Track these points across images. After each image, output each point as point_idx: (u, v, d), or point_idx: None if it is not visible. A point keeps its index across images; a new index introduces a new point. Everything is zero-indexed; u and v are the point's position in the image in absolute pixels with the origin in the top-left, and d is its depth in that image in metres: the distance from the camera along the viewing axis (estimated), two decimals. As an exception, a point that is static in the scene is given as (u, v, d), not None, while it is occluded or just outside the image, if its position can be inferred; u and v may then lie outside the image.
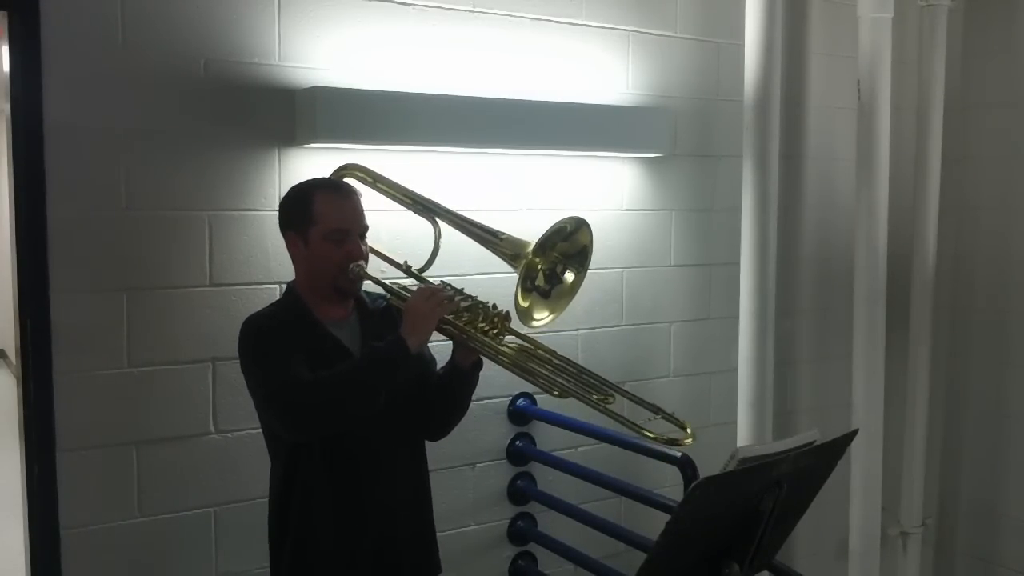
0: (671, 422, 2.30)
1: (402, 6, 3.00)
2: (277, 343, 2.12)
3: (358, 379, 2.09)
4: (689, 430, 2.26)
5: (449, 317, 2.19)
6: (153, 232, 2.68)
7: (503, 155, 3.18)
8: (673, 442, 2.24)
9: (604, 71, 3.41)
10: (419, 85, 3.00)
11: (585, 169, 3.39)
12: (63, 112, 2.54)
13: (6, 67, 2.64)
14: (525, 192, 3.26)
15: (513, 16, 3.20)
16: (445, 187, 2.95)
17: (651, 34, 3.51)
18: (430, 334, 2.17)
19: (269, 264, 2.83)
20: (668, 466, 2.73)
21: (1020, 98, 3.96)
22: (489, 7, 3.14)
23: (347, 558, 2.20)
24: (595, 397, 2.25)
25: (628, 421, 2.25)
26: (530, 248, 2.20)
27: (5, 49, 2.65)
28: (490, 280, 2.99)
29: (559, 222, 2.25)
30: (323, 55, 2.87)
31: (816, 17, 3.90)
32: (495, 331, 2.23)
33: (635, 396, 2.36)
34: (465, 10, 3.10)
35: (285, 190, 2.80)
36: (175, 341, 2.72)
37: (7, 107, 2.60)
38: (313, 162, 2.86)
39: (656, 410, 2.30)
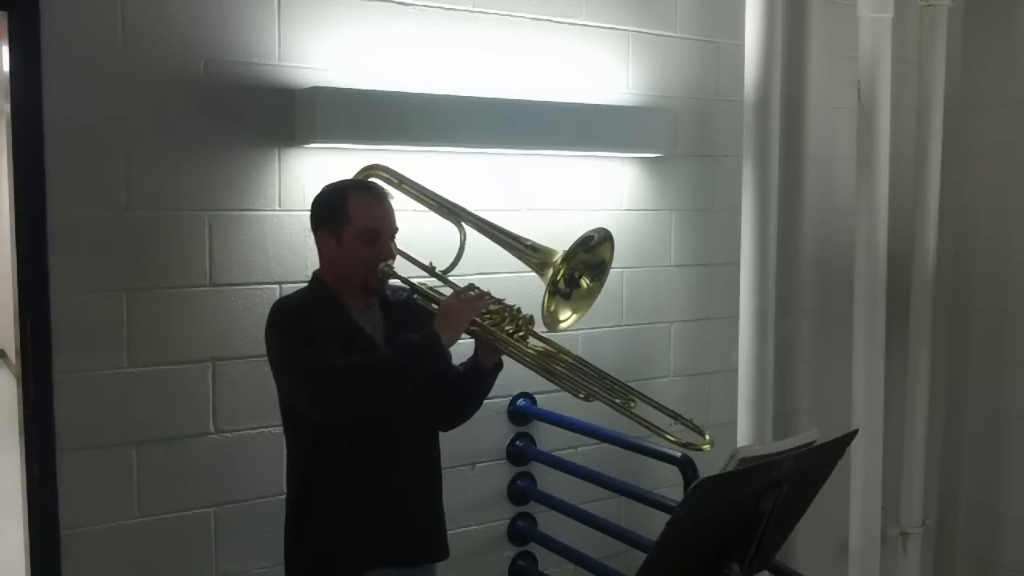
0: (690, 428, 2.35)
1: (402, 6, 3.00)
2: (310, 325, 2.19)
3: (392, 367, 2.16)
4: (707, 436, 2.32)
5: (478, 319, 2.27)
6: (153, 232, 2.68)
7: (503, 155, 3.18)
8: (692, 446, 2.31)
9: (604, 71, 3.41)
10: (419, 85, 3.00)
11: (585, 169, 3.38)
12: (63, 112, 2.54)
13: (6, 67, 2.64)
14: (525, 192, 3.26)
15: (513, 16, 3.20)
16: (445, 187, 2.93)
17: (651, 34, 3.51)
18: (462, 332, 2.23)
19: (269, 264, 2.83)
20: (668, 466, 2.73)
21: (1020, 98, 3.96)
22: (489, 7, 3.14)
23: (367, 539, 2.25)
24: (618, 401, 2.31)
25: (652, 425, 2.30)
26: (558, 257, 2.27)
27: (5, 49, 2.64)
28: (492, 280, 2.99)
29: (587, 233, 2.31)
30: (323, 55, 2.87)
31: (816, 17, 3.90)
32: (520, 333, 2.32)
33: (655, 402, 2.39)
34: (465, 10, 3.10)
35: (285, 190, 2.84)
36: (175, 341, 2.72)
37: (7, 107, 2.60)
38: (313, 162, 2.86)
39: (675, 416, 2.36)
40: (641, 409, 2.37)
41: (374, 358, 2.20)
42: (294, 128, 2.82)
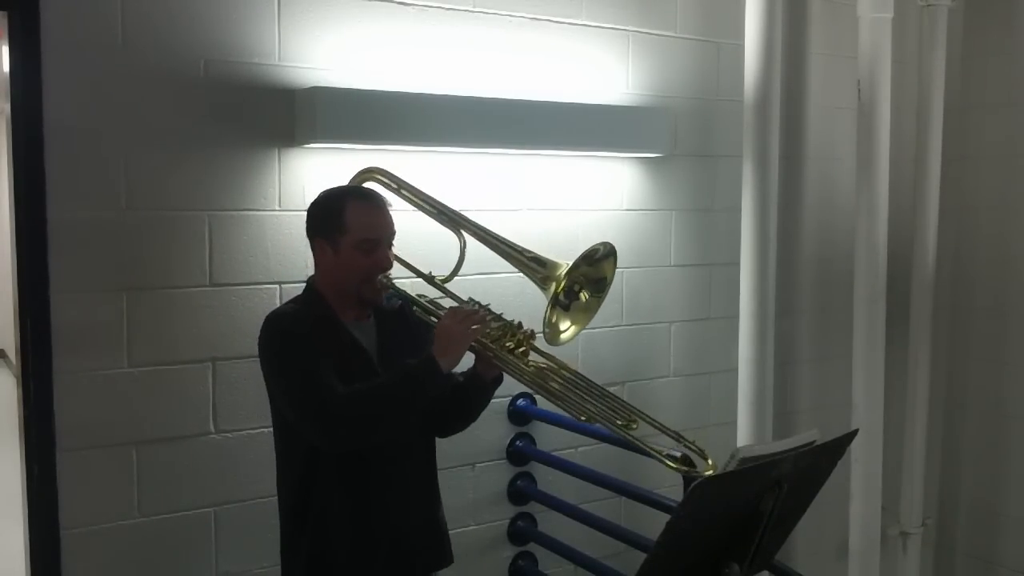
0: (691, 449, 2.29)
1: (402, 6, 3.00)
2: (305, 349, 2.13)
3: (391, 395, 2.11)
4: (710, 461, 2.23)
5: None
6: (153, 232, 2.68)
7: (503, 155, 3.18)
8: (694, 471, 2.24)
9: (604, 71, 3.41)
10: (419, 85, 3.00)
11: (585, 169, 3.38)
12: (63, 112, 2.54)
13: (6, 67, 2.64)
14: (525, 192, 3.26)
15: (513, 16, 3.20)
16: (445, 187, 2.94)
17: (651, 34, 3.51)
18: (462, 356, 2.19)
19: (269, 264, 2.83)
20: (668, 466, 2.73)
21: (1020, 98, 3.96)
22: (489, 7, 3.14)
23: (364, 555, 2.23)
24: (619, 423, 2.26)
25: (652, 449, 2.25)
26: (563, 271, 2.24)
27: (5, 49, 2.65)
28: (490, 280, 2.99)
29: (592, 246, 2.27)
30: (323, 55, 2.87)
31: (816, 17, 3.90)
32: (520, 349, 2.27)
33: (657, 422, 2.32)
34: (465, 10, 3.10)
35: (285, 190, 2.84)
36: (175, 341, 2.72)
37: (7, 107, 2.60)
38: (313, 162, 2.86)
39: (678, 437, 2.30)
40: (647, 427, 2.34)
41: (374, 385, 2.13)
42: (294, 128, 2.82)
